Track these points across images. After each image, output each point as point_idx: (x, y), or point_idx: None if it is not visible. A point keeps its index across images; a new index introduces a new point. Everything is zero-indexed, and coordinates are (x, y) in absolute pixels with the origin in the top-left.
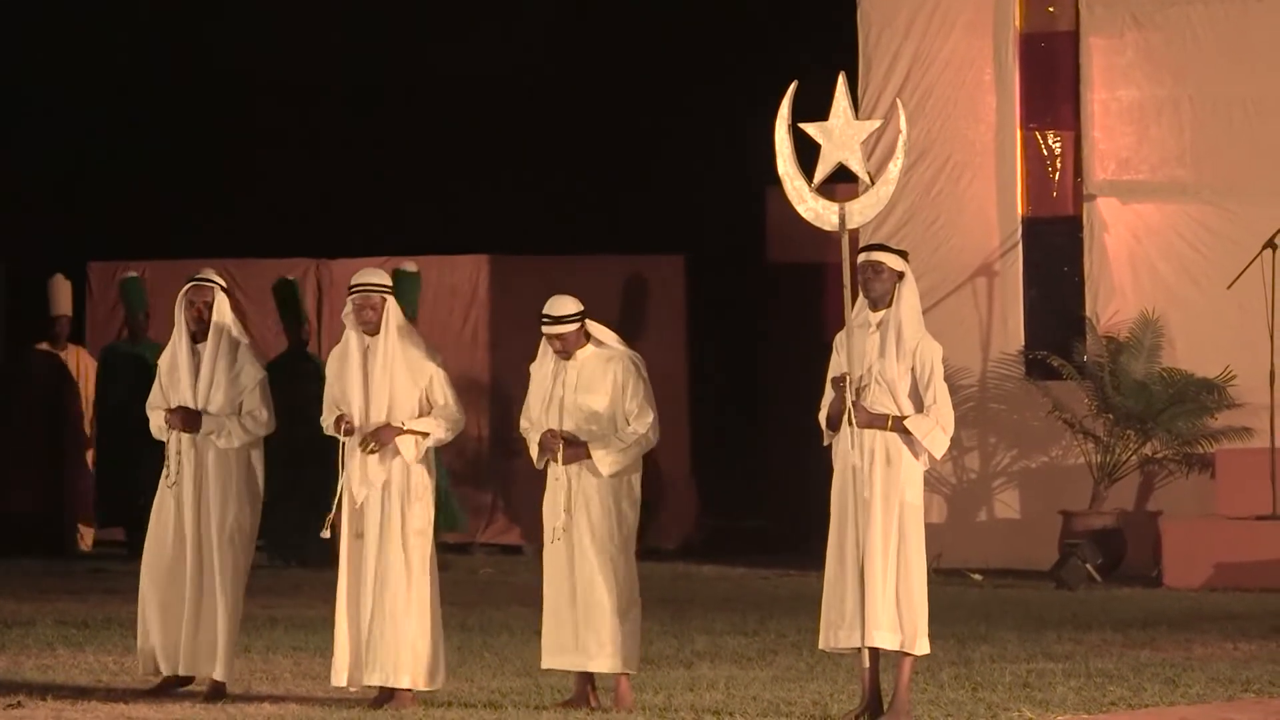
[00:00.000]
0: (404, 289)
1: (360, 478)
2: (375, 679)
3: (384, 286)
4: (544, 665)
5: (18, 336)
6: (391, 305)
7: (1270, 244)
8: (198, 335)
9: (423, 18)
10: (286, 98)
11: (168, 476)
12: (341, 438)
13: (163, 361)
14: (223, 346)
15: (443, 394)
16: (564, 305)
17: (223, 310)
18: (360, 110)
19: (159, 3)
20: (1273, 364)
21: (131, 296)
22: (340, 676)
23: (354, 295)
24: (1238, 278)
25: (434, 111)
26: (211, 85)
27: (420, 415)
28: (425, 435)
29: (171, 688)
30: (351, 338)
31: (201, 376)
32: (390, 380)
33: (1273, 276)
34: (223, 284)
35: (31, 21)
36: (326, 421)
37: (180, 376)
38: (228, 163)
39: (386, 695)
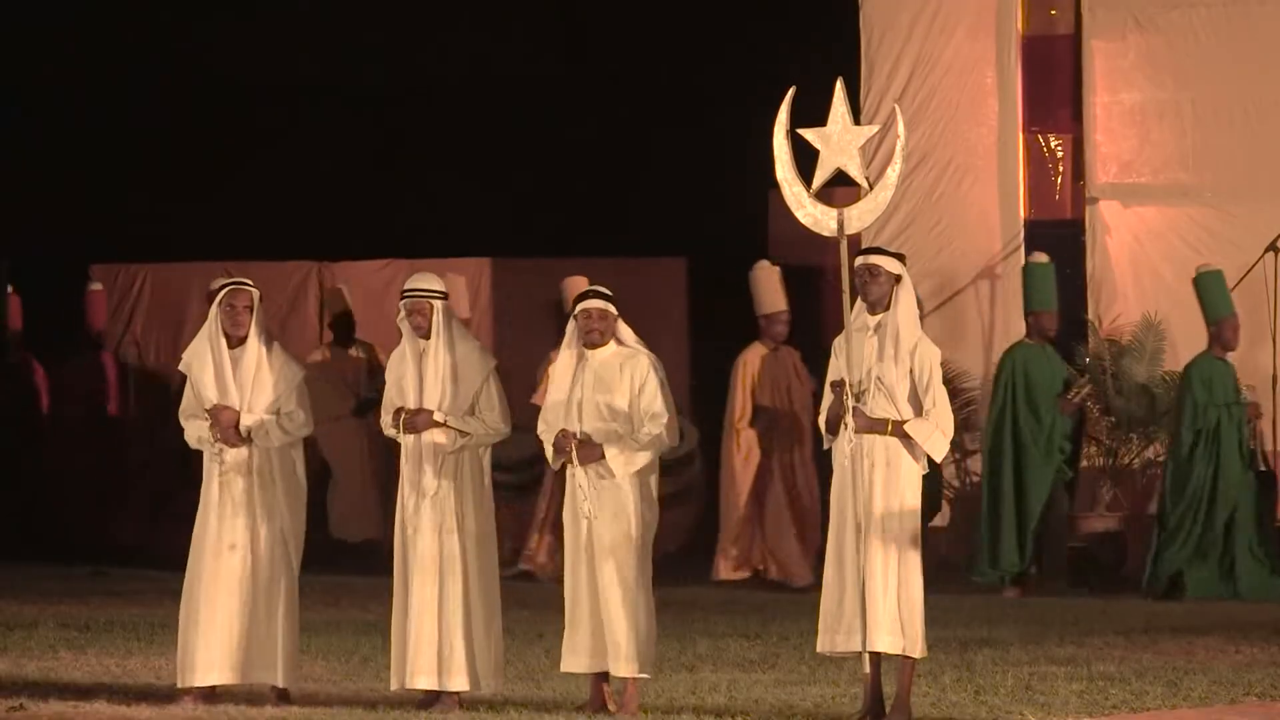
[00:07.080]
0: None
1: (412, 483)
2: (421, 682)
3: (434, 292)
4: (562, 669)
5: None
6: (441, 309)
7: (1272, 247)
8: (232, 339)
9: (423, 18)
10: (288, 99)
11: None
12: (399, 437)
13: (196, 367)
14: (263, 350)
15: (489, 401)
16: (608, 290)
17: (260, 313)
18: (362, 111)
19: (159, 4)
20: (1275, 367)
21: (1041, 282)
22: (395, 679)
23: (405, 300)
24: (1240, 281)
25: (436, 113)
26: (212, 87)
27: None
28: (464, 434)
29: (216, 697)
30: (406, 342)
31: (245, 381)
32: (441, 385)
33: (1275, 280)
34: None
35: (33, 23)
36: (386, 421)
37: (224, 381)
38: (229, 164)
39: (433, 697)
